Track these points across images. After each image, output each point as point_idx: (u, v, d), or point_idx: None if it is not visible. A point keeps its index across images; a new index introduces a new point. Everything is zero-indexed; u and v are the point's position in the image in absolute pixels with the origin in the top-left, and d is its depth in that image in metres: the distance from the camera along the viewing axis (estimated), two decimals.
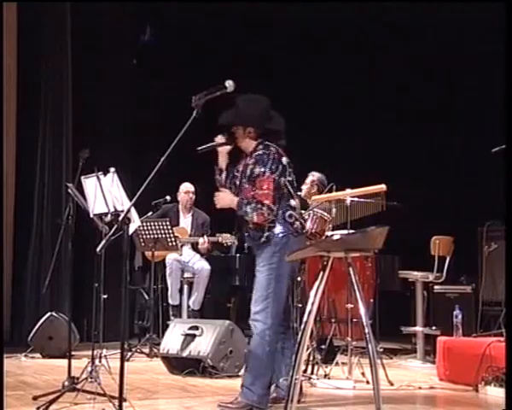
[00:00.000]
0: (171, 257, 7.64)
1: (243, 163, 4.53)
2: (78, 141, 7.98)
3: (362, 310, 3.06)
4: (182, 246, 7.69)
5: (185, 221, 8.02)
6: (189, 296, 7.73)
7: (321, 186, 6.59)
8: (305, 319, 3.15)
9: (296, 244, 4.32)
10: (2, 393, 3.81)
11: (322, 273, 3.17)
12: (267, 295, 4.33)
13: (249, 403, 4.26)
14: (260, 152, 4.41)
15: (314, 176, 6.71)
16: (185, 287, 7.75)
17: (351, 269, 3.12)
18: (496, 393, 5.09)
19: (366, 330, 3.00)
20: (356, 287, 3.08)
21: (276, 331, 4.36)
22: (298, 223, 4.46)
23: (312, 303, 3.16)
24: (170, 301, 7.61)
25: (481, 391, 5.22)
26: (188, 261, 7.79)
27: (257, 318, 4.36)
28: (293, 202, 4.47)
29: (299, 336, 3.15)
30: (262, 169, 4.37)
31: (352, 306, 5.45)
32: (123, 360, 3.52)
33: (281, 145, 4.50)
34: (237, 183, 4.55)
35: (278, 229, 4.38)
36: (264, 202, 4.32)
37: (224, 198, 4.50)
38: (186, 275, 7.80)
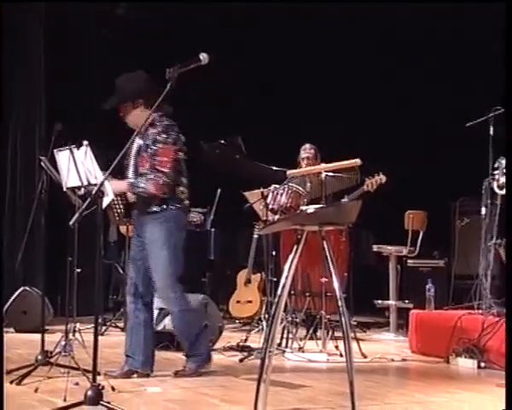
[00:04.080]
0: None
1: (136, 140, 4.49)
2: (52, 114, 7.89)
3: (335, 284, 3.07)
4: None
5: None
6: None
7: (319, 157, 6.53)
8: (278, 292, 3.16)
9: (182, 221, 4.55)
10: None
11: (296, 247, 3.18)
12: (165, 271, 4.49)
13: (133, 369, 4.51)
14: (166, 122, 4.49)
15: (312, 148, 6.63)
16: None
17: (325, 243, 3.13)
18: (466, 364, 5.18)
19: (339, 303, 3.02)
20: (329, 261, 3.10)
21: (186, 298, 4.60)
22: (187, 200, 4.59)
23: (286, 277, 3.17)
24: None
25: (452, 363, 5.30)
26: None
27: (162, 294, 4.62)
28: (184, 180, 4.58)
29: (273, 309, 3.16)
30: (163, 138, 4.44)
31: (327, 280, 5.49)
32: (97, 333, 3.51)
33: (169, 114, 4.56)
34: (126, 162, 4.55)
35: (171, 202, 4.49)
36: (162, 169, 4.40)
37: (116, 185, 4.43)
38: None
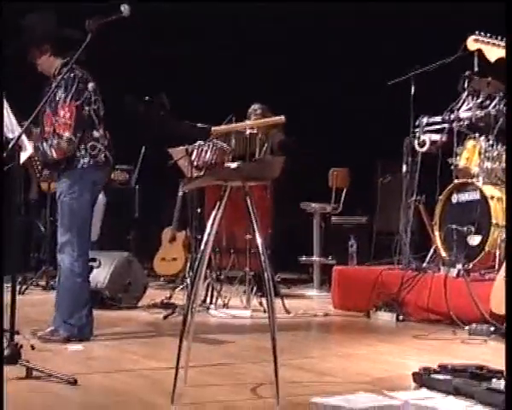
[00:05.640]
0: None
1: (47, 89, 4.30)
2: None
3: (258, 240, 3.08)
4: None
5: None
6: None
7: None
8: (201, 248, 3.15)
9: (98, 176, 4.37)
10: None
11: (219, 203, 3.16)
12: (70, 227, 4.30)
13: (71, 335, 4.26)
14: (65, 76, 4.17)
15: (261, 108, 6.58)
16: None
17: (248, 199, 3.12)
18: (386, 317, 5.32)
19: (262, 259, 3.03)
20: (253, 216, 3.09)
21: (84, 262, 4.36)
22: (102, 155, 4.38)
23: (209, 233, 3.15)
24: None
25: (373, 316, 5.44)
26: None
27: (63, 250, 4.32)
28: (96, 133, 4.37)
29: (196, 265, 3.15)
30: (63, 94, 4.22)
31: (251, 236, 5.51)
32: (14, 290, 3.43)
33: (80, 62, 4.20)
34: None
35: (80, 159, 4.30)
36: (63, 133, 4.21)
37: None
38: None
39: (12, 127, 3.86)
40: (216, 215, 3.14)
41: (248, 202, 3.14)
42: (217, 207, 3.16)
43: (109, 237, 8.04)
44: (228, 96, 6.71)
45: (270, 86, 8.92)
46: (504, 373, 2.64)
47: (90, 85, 4.31)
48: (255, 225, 3.12)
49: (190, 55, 9.21)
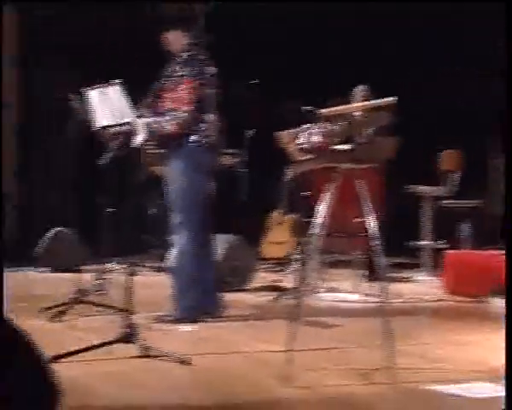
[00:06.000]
0: None
1: (169, 66, 4.33)
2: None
3: (371, 223, 3.02)
4: None
5: None
6: None
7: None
8: (314, 231, 3.12)
9: (210, 158, 4.37)
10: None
11: (331, 186, 3.12)
12: (183, 207, 4.32)
13: (182, 316, 4.33)
14: (188, 54, 4.26)
15: (366, 89, 6.49)
16: None
17: (360, 181, 3.07)
18: (500, 304, 5.12)
19: (375, 243, 2.97)
20: (365, 200, 3.04)
21: (197, 242, 4.36)
22: (213, 138, 4.39)
23: (321, 217, 3.12)
24: None
25: (488, 303, 5.25)
26: None
27: (176, 231, 4.36)
28: (210, 116, 4.38)
29: (308, 250, 3.13)
30: (187, 72, 4.25)
31: (360, 220, 5.43)
32: (131, 272, 3.52)
33: (203, 44, 4.33)
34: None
35: (192, 140, 4.31)
36: (181, 108, 4.23)
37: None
38: None
39: (127, 112, 3.95)
40: (328, 198, 3.11)
41: (360, 184, 3.09)
42: (328, 190, 3.12)
43: (216, 220, 8.13)
44: (329, 79, 6.62)
45: (378, 69, 8.77)
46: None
47: (212, 69, 4.36)
48: (367, 208, 3.07)
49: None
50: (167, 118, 4.27)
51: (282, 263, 7.36)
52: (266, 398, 2.86)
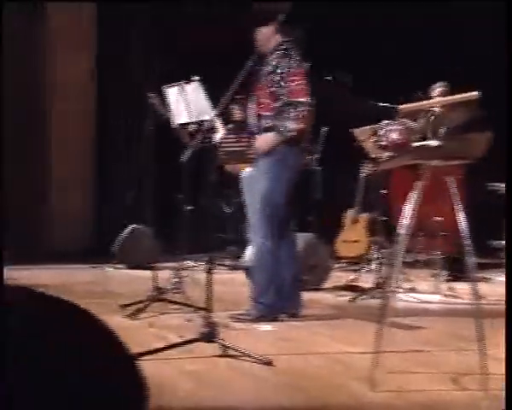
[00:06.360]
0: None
1: (256, 65, 4.20)
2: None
3: (462, 222, 2.91)
4: None
5: None
6: None
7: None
8: (401, 231, 3.01)
9: (297, 160, 4.28)
10: None
11: (418, 184, 3.01)
12: (263, 207, 4.24)
13: (261, 314, 4.26)
14: (283, 48, 4.16)
15: (445, 85, 6.32)
16: None
17: (449, 178, 2.95)
18: None
19: (466, 243, 2.85)
20: (455, 198, 2.92)
21: (275, 241, 4.27)
22: (307, 136, 4.32)
23: (408, 216, 3.01)
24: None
25: None
26: None
27: (255, 230, 4.29)
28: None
29: (394, 250, 3.02)
30: (290, 63, 4.12)
31: (441, 219, 5.28)
32: (211, 270, 3.49)
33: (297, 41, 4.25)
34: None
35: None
36: (300, 99, 4.06)
37: (262, 141, 4.17)
38: None
39: (206, 109, 3.93)
40: (415, 197, 3.00)
41: (449, 181, 2.97)
42: (415, 188, 3.01)
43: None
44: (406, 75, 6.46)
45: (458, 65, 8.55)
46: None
47: (305, 65, 4.28)
48: (457, 207, 2.95)
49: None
50: (287, 115, 4.10)
51: (356, 262, 7.23)
52: (354, 403, 2.77)
